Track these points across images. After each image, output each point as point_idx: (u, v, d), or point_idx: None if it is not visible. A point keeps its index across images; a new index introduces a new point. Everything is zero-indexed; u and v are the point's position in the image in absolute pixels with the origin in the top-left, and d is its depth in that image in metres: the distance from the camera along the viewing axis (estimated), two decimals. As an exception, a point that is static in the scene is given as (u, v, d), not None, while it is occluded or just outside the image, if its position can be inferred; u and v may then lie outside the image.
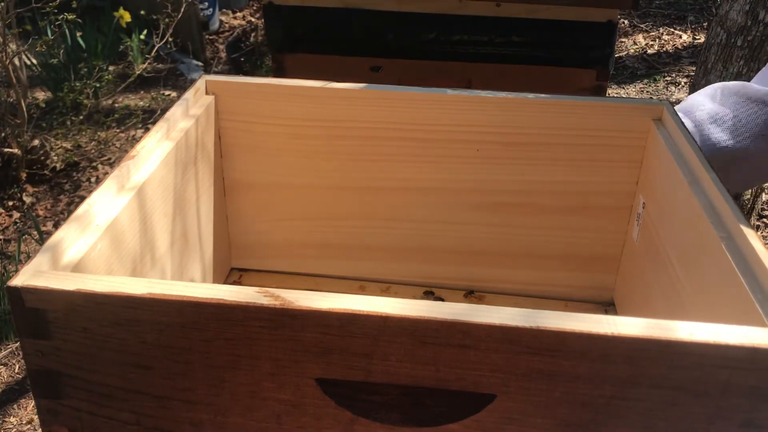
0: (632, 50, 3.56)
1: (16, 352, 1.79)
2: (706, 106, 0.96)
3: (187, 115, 0.88)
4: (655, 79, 3.30)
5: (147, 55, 2.89)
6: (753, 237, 0.64)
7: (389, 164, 0.96)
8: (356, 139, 0.95)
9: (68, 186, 2.44)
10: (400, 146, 0.94)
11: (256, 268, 1.06)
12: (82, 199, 0.81)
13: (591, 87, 1.23)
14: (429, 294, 1.02)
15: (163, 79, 3.07)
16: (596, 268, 0.99)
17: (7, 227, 2.23)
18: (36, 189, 2.41)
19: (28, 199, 2.35)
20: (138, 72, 2.66)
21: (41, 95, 2.88)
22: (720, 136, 0.92)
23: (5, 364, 1.76)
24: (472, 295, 1.03)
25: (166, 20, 2.55)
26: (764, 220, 2.38)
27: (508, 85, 1.20)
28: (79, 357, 0.58)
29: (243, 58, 3.33)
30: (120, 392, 0.59)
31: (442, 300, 1.01)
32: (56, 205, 2.35)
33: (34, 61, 2.85)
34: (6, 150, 2.33)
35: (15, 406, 1.66)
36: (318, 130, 0.95)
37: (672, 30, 3.74)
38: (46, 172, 2.45)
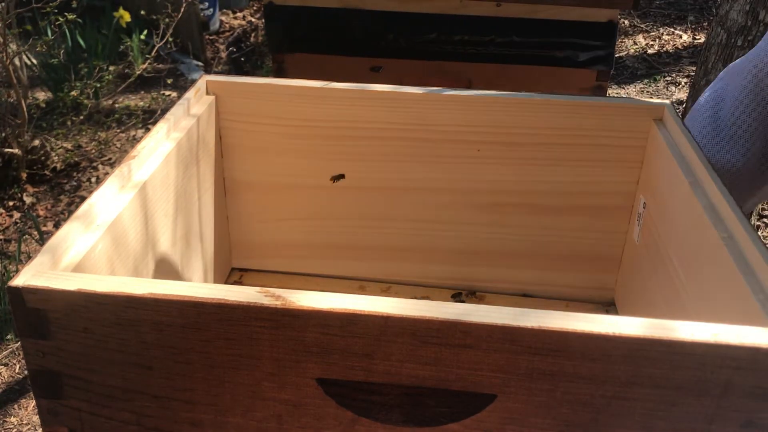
0: (632, 50, 3.56)
1: (16, 352, 1.79)
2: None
3: (189, 114, 0.88)
4: (655, 79, 3.30)
5: (147, 55, 2.88)
6: (754, 237, 0.64)
7: (389, 164, 0.96)
8: (356, 139, 0.95)
9: (68, 186, 2.44)
10: (400, 146, 0.94)
11: (256, 268, 1.06)
12: (83, 199, 0.81)
13: (591, 87, 1.23)
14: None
15: (163, 79, 3.07)
16: (597, 268, 0.99)
17: (7, 227, 2.23)
18: (36, 189, 2.41)
19: (28, 199, 2.35)
20: (138, 72, 2.66)
21: (41, 95, 2.87)
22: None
23: (5, 364, 1.76)
24: (473, 295, 1.03)
25: (166, 20, 2.55)
26: (764, 220, 2.38)
27: (508, 85, 1.21)
28: (80, 357, 0.58)
29: (243, 58, 3.33)
30: (120, 392, 0.59)
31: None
32: (56, 205, 2.35)
33: (35, 61, 2.85)
34: (6, 150, 2.33)
35: (15, 406, 1.66)
36: (318, 130, 0.95)
37: (672, 30, 3.74)
38: (46, 172, 2.44)
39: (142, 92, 3.05)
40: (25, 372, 1.71)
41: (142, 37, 2.86)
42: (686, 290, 0.75)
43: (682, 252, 0.77)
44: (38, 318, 0.57)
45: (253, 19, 3.73)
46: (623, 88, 3.25)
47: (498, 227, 0.98)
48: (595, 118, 0.90)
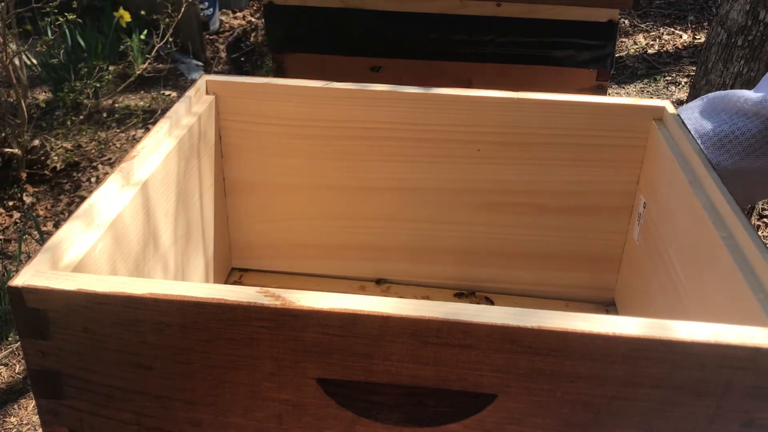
0: (632, 50, 3.56)
1: (16, 352, 1.79)
2: (693, 120, 0.93)
3: (189, 114, 0.88)
4: (655, 79, 3.30)
5: (147, 55, 2.88)
6: (754, 236, 0.64)
7: (389, 164, 0.96)
8: (356, 139, 0.95)
9: (68, 186, 2.44)
10: (400, 146, 0.94)
11: (256, 268, 1.06)
12: (83, 199, 0.81)
13: (591, 87, 1.23)
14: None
15: (163, 79, 3.07)
16: (597, 268, 0.99)
17: (7, 227, 2.23)
18: (36, 189, 2.41)
19: (28, 199, 2.35)
20: (138, 72, 2.66)
21: (41, 95, 2.88)
22: (707, 154, 0.88)
23: (5, 364, 1.76)
24: (472, 295, 1.03)
25: (166, 20, 2.55)
26: (764, 220, 2.38)
27: (508, 85, 1.20)
28: (80, 357, 0.58)
29: (243, 58, 3.32)
30: (120, 392, 0.59)
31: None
32: (56, 205, 2.35)
33: (34, 61, 2.85)
34: (6, 150, 2.33)
35: (15, 406, 1.66)
36: (318, 130, 0.95)
37: (672, 30, 3.74)
38: (46, 172, 2.44)
39: (142, 92, 3.05)
40: (25, 372, 1.71)
41: (142, 37, 2.86)
42: (686, 290, 0.75)
43: (682, 252, 0.77)
44: (38, 318, 0.57)
45: (252, 19, 3.73)
46: (623, 88, 3.25)
47: (498, 227, 0.98)
48: (595, 118, 0.90)
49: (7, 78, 2.25)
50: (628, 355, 0.52)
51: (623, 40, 3.65)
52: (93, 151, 2.59)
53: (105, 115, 2.70)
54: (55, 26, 2.36)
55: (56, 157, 2.50)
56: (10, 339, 1.81)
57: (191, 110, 0.89)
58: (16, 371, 1.75)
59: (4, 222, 2.25)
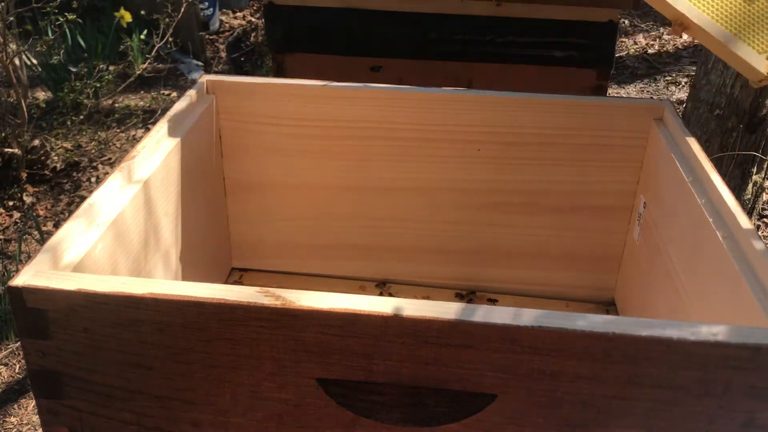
0: (632, 50, 3.56)
1: (16, 352, 1.79)
2: None
3: (189, 113, 0.88)
4: (655, 79, 3.30)
5: (147, 55, 2.88)
6: (754, 236, 0.64)
7: (389, 164, 0.96)
8: (356, 139, 0.95)
9: (68, 186, 2.44)
10: (401, 146, 0.94)
11: (256, 268, 1.06)
12: (83, 198, 0.81)
13: (591, 87, 1.23)
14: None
15: (163, 79, 3.07)
16: (597, 268, 0.99)
17: (7, 227, 2.23)
18: (36, 189, 2.41)
19: (28, 199, 2.35)
20: (138, 72, 2.66)
21: (41, 95, 2.87)
22: None
23: (5, 364, 1.76)
24: (473, 295, 1.03)
25: (166, 20, 2.55)
26: (764, 219, 2.38)
27: (508, 85, 1.20)
28: (80, 357, 0.58)
29: (243, 58, 3.32)
30: (120, 392, 0.59)
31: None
32: (56, 205, 2.34)
33: (34, 61, 2.85)
34: (6, 150, 2.33)
35: (15, 406, 1.66)
36: (318, 130, 0.95)
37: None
38: (46, 172, 2.44)
39: (142, 92, 3.05)
40: (25, 372, 1.71)
41: (142, 37, 2.86)
42: (686, 290, 0.75)
43: (682, 251, 0.77)
44: (38, 318, 0.57)
45: (252, 19, 3.73)
46: (623, 88, 3.25)
47: (498, 227, 0.98)
48: (595, 118, 0.90)
49: (7, 78, 2.25)
50: (628, 355, 0.52)
51: (623, 40, 3.65)
52: (93, 151, 2.59)
53: (105, 115, 2.70)
54: (55, 26, 2.35)
55: (56, 157, 2.50)
56: (9, 339, 1.81)
57: (191, 110, 0.89)
58: (16, 371, 1.75)
59: (4, 222, 2.25)
